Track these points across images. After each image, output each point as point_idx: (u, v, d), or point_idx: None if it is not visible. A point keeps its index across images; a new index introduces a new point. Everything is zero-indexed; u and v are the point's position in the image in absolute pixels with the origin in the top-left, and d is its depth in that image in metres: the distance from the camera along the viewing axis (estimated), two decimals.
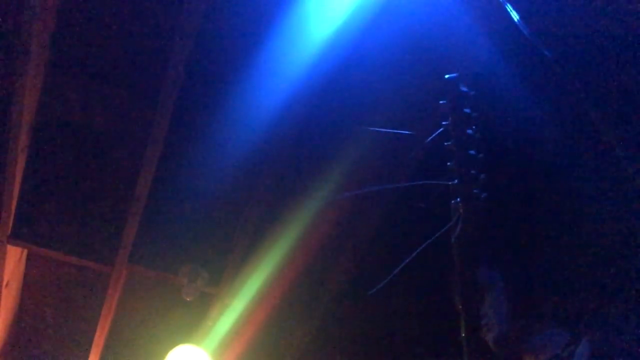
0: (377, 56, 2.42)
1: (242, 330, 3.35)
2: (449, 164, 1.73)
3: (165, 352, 3.29)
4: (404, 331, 3.46)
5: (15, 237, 3.00)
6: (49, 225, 3.03)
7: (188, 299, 3.10)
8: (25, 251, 3.39)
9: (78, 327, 3.76)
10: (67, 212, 3.02)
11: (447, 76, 1.77)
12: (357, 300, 3.37)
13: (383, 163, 2.74)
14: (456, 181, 1.70)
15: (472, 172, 1.68)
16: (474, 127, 1.72)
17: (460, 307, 1.64)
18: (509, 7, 1.94)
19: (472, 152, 1.70)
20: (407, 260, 1.93)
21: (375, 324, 3.47)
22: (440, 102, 1.79)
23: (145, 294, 3.62)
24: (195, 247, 3.09)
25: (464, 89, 1.76)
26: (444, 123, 1.76)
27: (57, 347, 3.84)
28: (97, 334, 3.54)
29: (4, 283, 3.26)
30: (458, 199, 1.69)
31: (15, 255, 3.28)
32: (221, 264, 3.10)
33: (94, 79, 2.67)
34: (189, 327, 3.52)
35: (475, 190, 1.67)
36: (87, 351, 3.68)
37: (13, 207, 2.92)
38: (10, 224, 2.96)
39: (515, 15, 1.94)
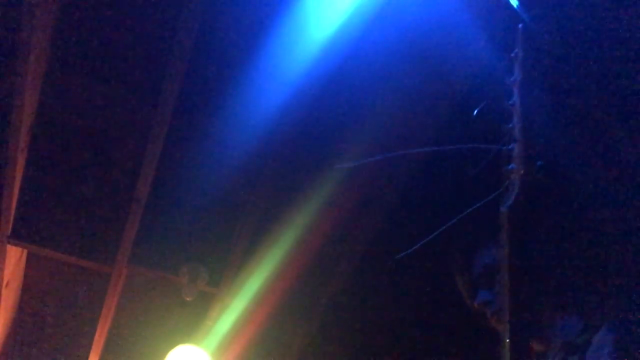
0: (377, 56, 2.42)
1: (242, 330, 3.35)
2: (509, 125, 1.52)
3: (165, 352, 3.29)
4: (404, 331, 3.45)
5: (15, 237, 3.00)
6: (49, 225, 3.02)
7: (188, 299, 3.10)
8: (25, 251, 3.38)
9: (78, 327, 3.76)
10: (67, 212, 3.02)
11: (520, 25, 1.57)
12: (357, 300, 3.37)
13: (383, 162, 2.73)
14: (513, 145, 1.50)
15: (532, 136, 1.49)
16: (543, 86, 1.57)
17: (507, 292, 1.44)
18: None
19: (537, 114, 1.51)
20: (443, 228, 1.78)
21: (375, 323, 3.47)
22: (512, 53, 1.58)
23: (145, 294, 3.62)
24: (195, 247, 3.09)
25: (541, 39, 1.61)
26: (511, 79, 1.55)
27: (57, 347, 3.84)
28: (97, 334, 3.54)
29: (4, 283, 3.26)
30: (512, 165, 1.50)
31: (15, 255, 3.28)
32: (221, 264, 3.10)
33: (94, 79, 2.67)
34: (189, 327, 3.52)
35: (534, 157, 1.48)
36: (87, 351, 3.68)
37: (13, 207, 2.91)
38: (10, 224, 2.96)
39: (515, 1, 1.82)
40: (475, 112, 1.66)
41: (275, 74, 2.44)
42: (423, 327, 3.38)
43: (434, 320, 3.32)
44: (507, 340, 1.45)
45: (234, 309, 3.23)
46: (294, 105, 2.47)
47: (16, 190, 2.86)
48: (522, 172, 1.48)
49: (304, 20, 2.28)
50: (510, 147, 1.52)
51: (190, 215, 3.03)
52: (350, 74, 2.46)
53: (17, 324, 3.79)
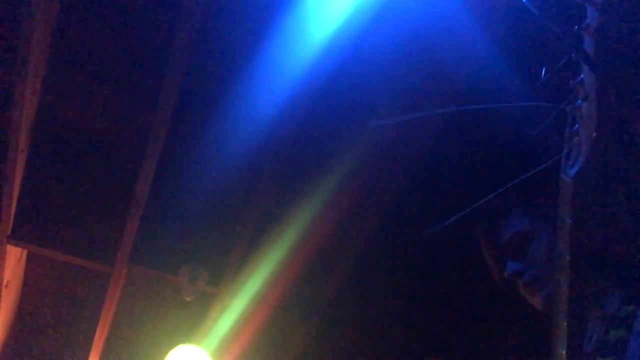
0: (378, 56, 2.41)
1: (242, 330, 3.35)
2: (576, 79, 1.29)
3: (165, 352, 3.29)
4: (405, 331, 3.46)
5: (15, 237, 3.00)
6: (49, 225, 3.02)
7: (188, 299, 3.10)
8: (25, 251, 3.38)
9: (78, 327, 3.76)
10: (67, 212, 3.02)
11: None
12: (357, 300, 3.37)
13: (382, 162, 2.73)
14: (581, 103, 1.27)
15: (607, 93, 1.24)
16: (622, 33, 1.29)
17: (568, 272, 1.25)
18: None
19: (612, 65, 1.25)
20: (490, 197, 1.62)
21: (376, 323, 3.47)
22: None
23: (145, 294, 3.63)
24: (195, 247, 3.09)
25: None
26: (580, 26, 1.30)
27: (57, 347, 3.84)
28: (97, 334, 3.54)
29: (4, 283, 3.26)
30: (577, 127, 1.26)
31: (15, 255, 3.28)
32: (221, 264, 3.10)
33: (94, 79, 2.67)
34: (189, 327, 3.52)
35: (606, 117, 1.25)
36: (87, 351, 3.68)
37: (13, 207, 2.92)
38: (10, 224, 2.96)
39: None
40: (544, 72, 1.44)
41: (276, 74, 2.44)
42: (424, 326, 3.38)
43: (435, 320, 3.32)
44: (565, 321, 1.31)
45: (234, 309, 3.23)
46: (294, 105, 2.47)
47: (16, 191, 2.86)
48: (594, 134, 1.24)
49: (304, 20, 2.28)
50: (577, 104, 1.30)
51: (190, 215, 3.03)
52: (351, 74, 2.46)
53: (17, 324, 3.79)
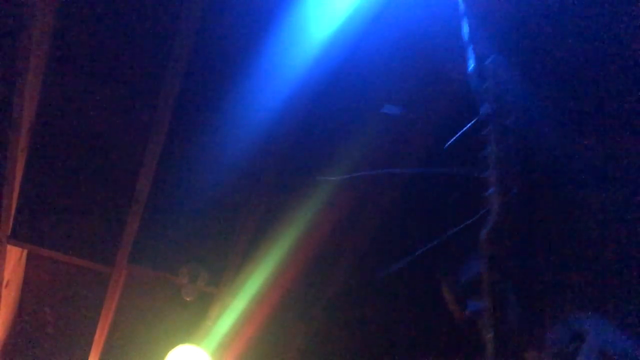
0: (377, 56, 2.42)
1: (242, 330, 3.35)
2: (482, 153, 1.57)
3: (165, 352, 3.29)
4: (404, 332, 3.46)
5: (15, 237, 3.01)
6: (49, 225, 3.03)
7: (188, 299, 3.10)
8: (25, 251, 3.39)
9: (78, 327, 3.76)
10: (67, 212, 3.02)
11: (487, 61, 1.69)
12: (357, 301, 3.37)
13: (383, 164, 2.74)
14: (491, 171, 1.55)
15: (509, 163, 1.53)
16: (514, 117, 1.59)
17: (491, 308, 1.50)
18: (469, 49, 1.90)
19: (510, 142, 1.54)
20: (427, 248, 1.83)
21: (375, 324, 3.47)
22: (484, 86, 1.65)
23: (145, 294, 3.63)
24: (195, 247, 3.09)
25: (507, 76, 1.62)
26: (482, 111, 1.61)
27: (57, 347, 3.84)
28: (97, 334, 3.54)
29: (4, 283, 3.26)
30: (492, 190, 1.53)
31: (15, 255, 3.28)
32: (221, 264, 3.10)
33: (94, 79, 2.67)
34: (189, 327, 3.52)
35: (510, 184, 1.52)
36: (87, 351, 3.68)
37: (13, 207, 2.92)
38: (10, 224, 2.96)
39: (471, 64, 1.90)
40: (447, 144, 1.74)
41: (275, 74, 2.44)
42: (423, 327, 3.38)
43: (434, 320, 3.32)
44: (492, 352, 1.49)
45: (234, 309, 3.23)
46: (294, 106, 2.47)
47: (16, 191, 2.86)
48: (500, 198, 1.52)
49: (304, 20, 2.28)
50: (486, 174, 1.57)
51: (190, 216, 3.03)
52: (350, 74, 2.46)
53: (17, 324, 3.79)
